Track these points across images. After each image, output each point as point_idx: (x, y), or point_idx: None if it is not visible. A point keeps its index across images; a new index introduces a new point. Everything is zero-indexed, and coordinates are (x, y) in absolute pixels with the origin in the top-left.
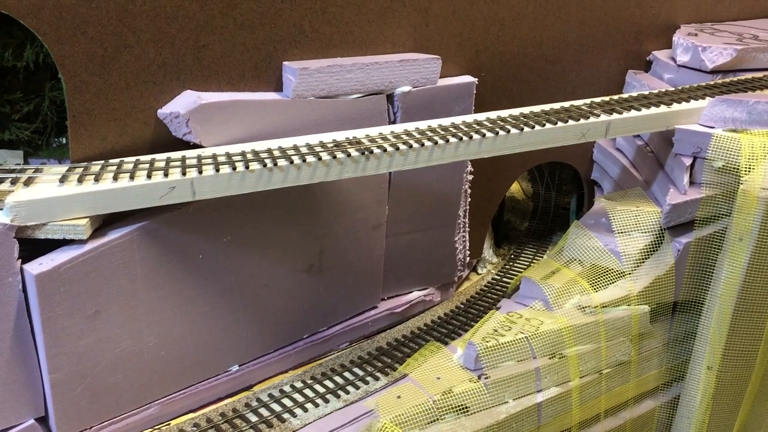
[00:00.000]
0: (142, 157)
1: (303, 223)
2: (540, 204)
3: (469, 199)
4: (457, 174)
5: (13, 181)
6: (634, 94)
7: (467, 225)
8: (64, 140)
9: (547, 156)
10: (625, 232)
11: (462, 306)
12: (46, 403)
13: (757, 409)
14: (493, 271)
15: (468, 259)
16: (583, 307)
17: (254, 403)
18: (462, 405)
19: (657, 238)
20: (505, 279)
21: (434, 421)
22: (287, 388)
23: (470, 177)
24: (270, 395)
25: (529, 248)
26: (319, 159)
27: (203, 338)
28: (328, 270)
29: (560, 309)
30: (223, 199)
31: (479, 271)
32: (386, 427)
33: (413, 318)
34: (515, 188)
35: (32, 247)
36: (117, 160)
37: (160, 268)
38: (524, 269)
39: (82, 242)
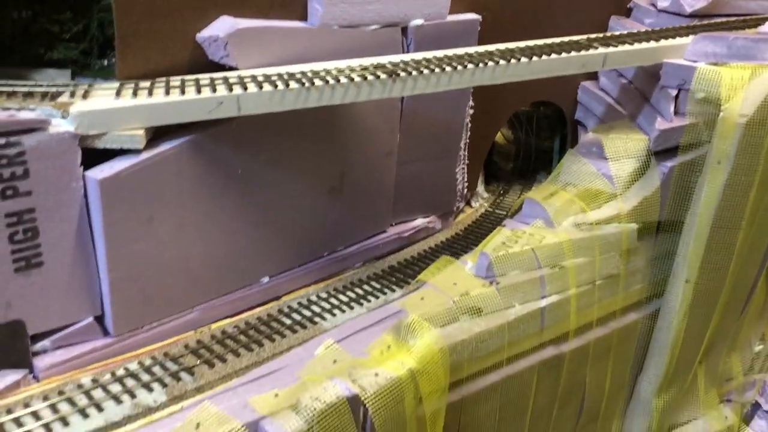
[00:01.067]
0: (186, 77)
1: (326, 148)
2: (522, 148)
3: (469, 133)
4: (460, 107)
5: (72, 94)
6: (624, 32)
7: (466, 158)
8: (106, 62)
9: (538, 95)
10: (616, 157)
11: (461, 233)
12: (103, 303)
13: (725, 320)
14: (486, 205)
15: (466, 190)
16: (579, 224)
17: (286, 309)
18: (476, 307)
19: (645, 163)
20: (497, 211)
21: (453, 320)
22: (314, 298)
23: (471, 111)
24: (299, 303)
25: (515, 185)
26: (351, 80)
27: (240, 250)
28: (346, 193)
29: (559, 226)
30: (261, 119)
31: (473, 204)
32: (415, 322)
33: (418, 243)
34: (497, 135)
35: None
36: (163, 79)
37: (205, 180)
38: (513, 202)
39: (137, 152)
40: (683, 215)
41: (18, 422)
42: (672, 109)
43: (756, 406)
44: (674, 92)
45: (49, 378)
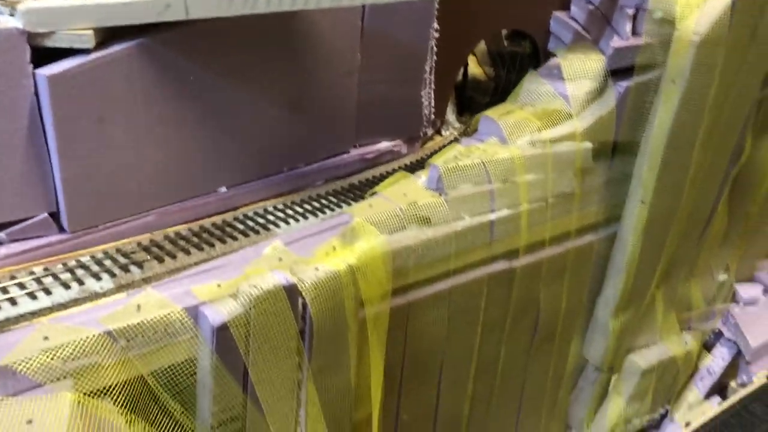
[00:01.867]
0: None
1: (283, 64)
2: (501, 84)
3: (435, 57)
4: (424, 28)
5: None
6: None
7: (432, 82)
8: None
9: (507, 23)
10: (573, 78)
11: (427, 157)
12: (58, 200)
13: (682, 245)
14: (456, 134)
15: (433, 116)
16: (533, 142)
17: (241, 217)
18: (424, 216)
19: (602, 83)
20: None
21: (400, 227)
22: (270, 209)
23: (436, 35)
24: (255, 212)
25: None
26: None
27: (195, 158)
28: (306, 111)
29: (513, 143)
30: (213, 28)
31: (443, 133)
32: (359, 224)
33: (382, 165)
34: (479, 72)
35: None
36: None
37: (157, 85)
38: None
39: (87, 52)
40: (639, 136)
41: None
42: (629, 28)
43: (719, 334)
44: (632, 11)
45: (2, 267)
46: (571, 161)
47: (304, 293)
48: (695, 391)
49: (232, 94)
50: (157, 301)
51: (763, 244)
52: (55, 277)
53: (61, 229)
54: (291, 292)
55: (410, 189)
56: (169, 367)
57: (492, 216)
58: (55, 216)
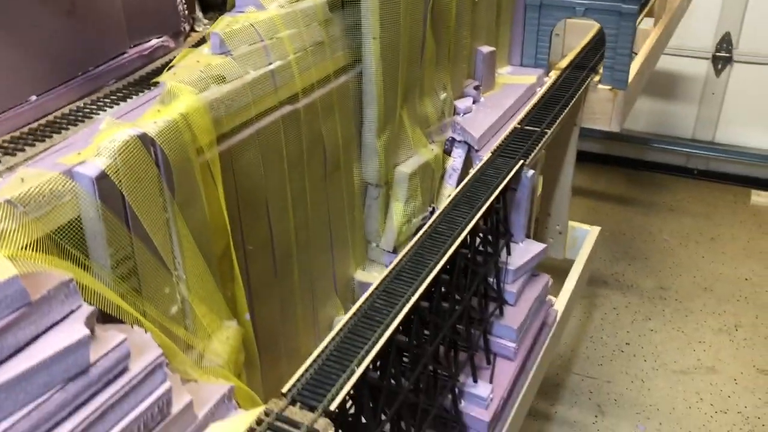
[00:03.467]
0: None
1: None
2: None
3: None
4: None
5: None
6: None
7: None
8: None
9: None
10: None
11: (195, 46)
12: None
13: (410, 69)
14: (208, 28)
15: (186, 12)
16: (282, 5)
17: (60, 114)
18: (220, 75)
19: None
20: None
21: (205, 87)
22: (83, 105)
23: None
24: (71, 110)
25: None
26: None
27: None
28: (81, 16)
29: (268, 7)
30: None
31: (197, 29)
32: (175, 87)
33: (159, 59)
34: None
35: None
36: None
37: None
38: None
39: None
40: None
41: None
42: None
43: (452, 140)
44: None
45: None
46: (315, 15)
47: (154, 138)
48: (448, 187)
49: (10, 6)
50: (35, 173)
51: (464, 66)
52: None
53: None
54: (143, 140)
55: (201, 57)
56: (66, 224)
57: (271, 67)
58: None
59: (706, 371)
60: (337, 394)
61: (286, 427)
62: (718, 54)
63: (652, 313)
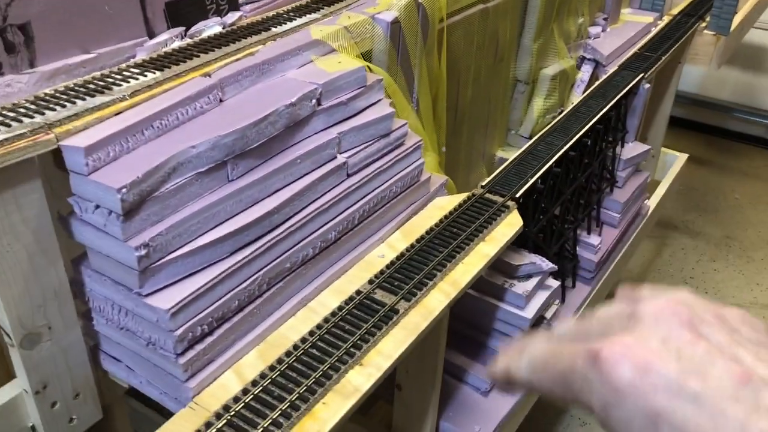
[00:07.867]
0: None
1: None
2: None
3: None
4: None
5: None
6: None
7: None
8: None
9: None
10: None
11: None
12: None
13: None
14: None
15: None
16: None
17: None
18: None
19: None
20: None
21: None
22: None
23: None
24: None
25: None
26: None
27: None
28: None
29: None
30: None
31: None
32: None
33: None
34: None
35: None
36: None
37: None
38: None
39: None
40: None
41: None
42: None
43: (582, 58)
44: None
45: None
46: None
47: (422, 2)
48: (576, 94)
49: None
50: (355, 15)
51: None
52: None
53: None
54: (416, 3)
55: None
56: (365, 52)
57: None
58: None
59: (761, 307)
60: (520, 188)
61: (492, 198)
62: None
63: (716, 256)
